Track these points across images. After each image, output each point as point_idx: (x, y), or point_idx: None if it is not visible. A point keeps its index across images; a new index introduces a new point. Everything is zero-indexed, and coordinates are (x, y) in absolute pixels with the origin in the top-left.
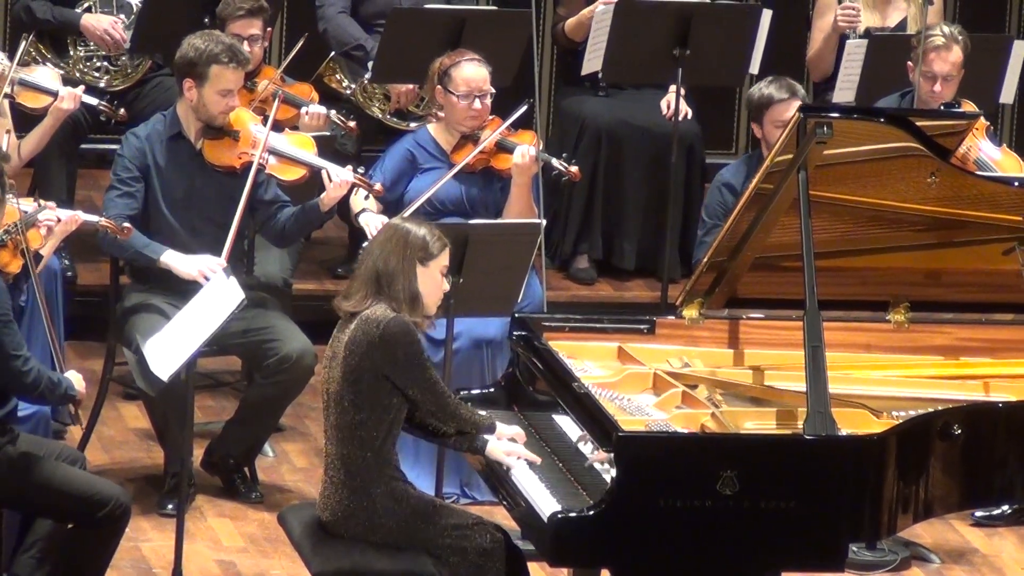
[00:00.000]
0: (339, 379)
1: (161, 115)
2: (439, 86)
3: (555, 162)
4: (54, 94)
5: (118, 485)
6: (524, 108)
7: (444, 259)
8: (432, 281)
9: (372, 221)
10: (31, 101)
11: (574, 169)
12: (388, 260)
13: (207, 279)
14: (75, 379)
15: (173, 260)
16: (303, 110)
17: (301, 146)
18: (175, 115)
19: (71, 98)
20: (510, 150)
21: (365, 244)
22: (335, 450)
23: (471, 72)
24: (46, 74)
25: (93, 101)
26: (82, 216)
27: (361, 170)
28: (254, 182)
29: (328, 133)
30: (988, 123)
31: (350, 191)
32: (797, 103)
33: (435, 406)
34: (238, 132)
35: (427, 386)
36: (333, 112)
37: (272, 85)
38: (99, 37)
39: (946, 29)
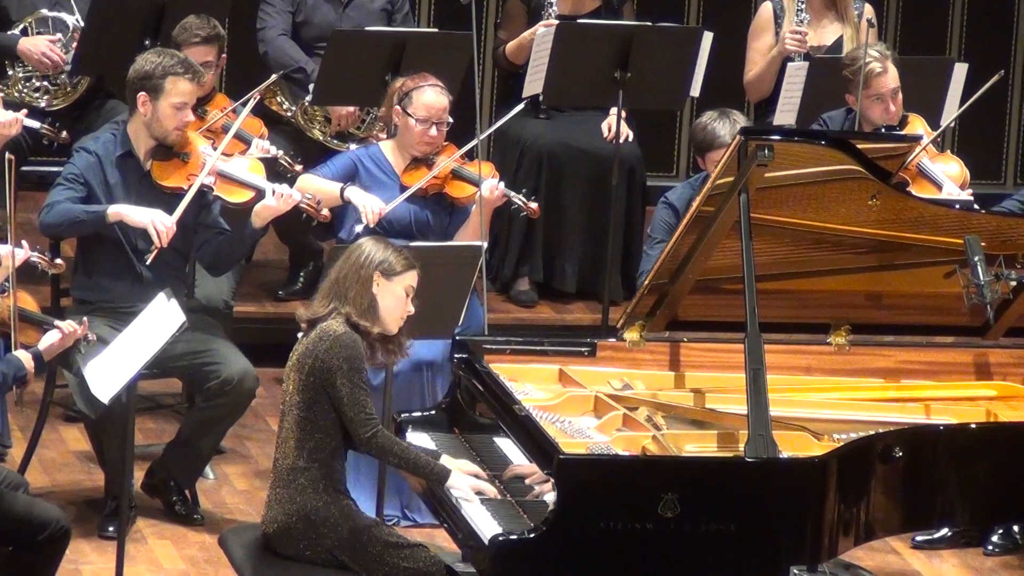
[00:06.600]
0: (292, 391)
1: (112, 133)
2: (398, 106)
3: (514, 196)
4: None
5: (58, 507)
6: (482, 136)
7: (410, 279)
8: (392, 295)
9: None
10: None
11: (533, 206)
12: (349, 269)
13: (158, 232)
14: (23, 357)
15: (124, 209)
16: (253, 145)
17: (251, 170)
18: (125, 134)
19: (13, 123)
20: (465, 178)
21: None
22: (285, 461)
23: (432, 98)
24: None
25: (35, 124)
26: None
27: (309, 196)
28: (194, 198)
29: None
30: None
31: (291, 214)
32: None
33: (352, 423)
34: (188, 154)
35: (352, 400)
36: (281, 152)
37: (224, 118)
38: (37, 61)
39: (874, 52)
